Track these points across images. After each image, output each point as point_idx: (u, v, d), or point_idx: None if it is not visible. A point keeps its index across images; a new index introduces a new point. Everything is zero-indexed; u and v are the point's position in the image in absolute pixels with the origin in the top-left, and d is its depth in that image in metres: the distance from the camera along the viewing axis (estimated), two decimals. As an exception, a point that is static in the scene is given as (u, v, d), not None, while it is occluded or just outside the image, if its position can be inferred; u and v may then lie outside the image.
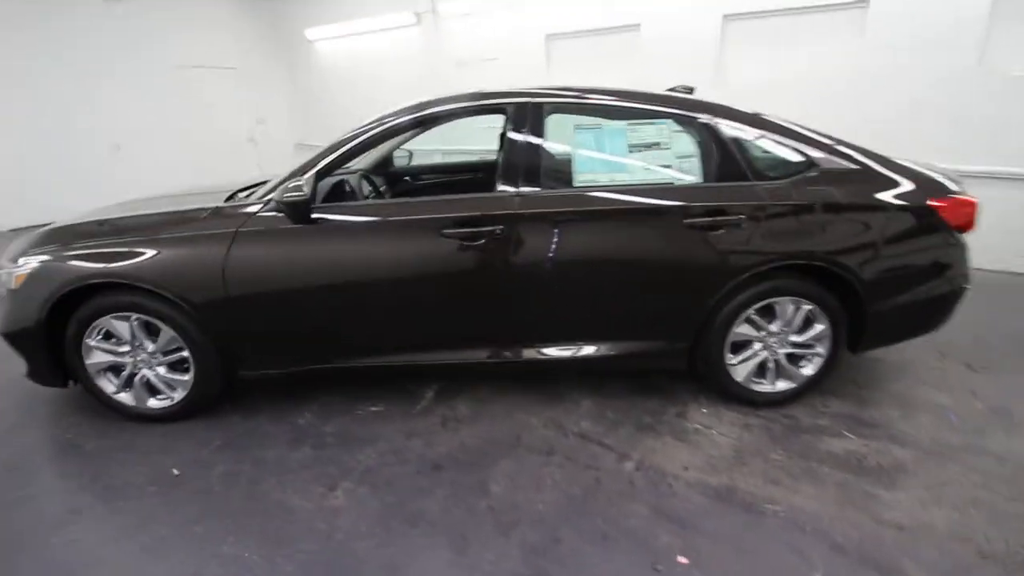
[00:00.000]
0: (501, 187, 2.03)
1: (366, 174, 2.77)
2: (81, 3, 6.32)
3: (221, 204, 2.14)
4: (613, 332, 2.18)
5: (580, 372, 2.52)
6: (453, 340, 2.19)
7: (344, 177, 2.66)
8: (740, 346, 2.22)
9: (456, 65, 6.61)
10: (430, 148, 6.85)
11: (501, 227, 1.98)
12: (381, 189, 3.19)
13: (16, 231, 5.20)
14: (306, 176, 1.98)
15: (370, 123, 2.11)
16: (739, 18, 4.79)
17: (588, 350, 2.18)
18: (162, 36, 7.07)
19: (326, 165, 2.05)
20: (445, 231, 1.99)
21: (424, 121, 2.13)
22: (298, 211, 1.95)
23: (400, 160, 3.63)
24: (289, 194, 1.90)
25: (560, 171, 2.07)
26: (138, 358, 2.15)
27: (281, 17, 8.14)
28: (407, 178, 3.60)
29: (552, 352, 2.19)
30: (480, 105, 2.12)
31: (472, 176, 3.44)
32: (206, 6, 7.50)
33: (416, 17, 6.71)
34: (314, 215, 2.00)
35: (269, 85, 8.37)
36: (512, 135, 2.05)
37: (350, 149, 2.07)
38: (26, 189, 6.07)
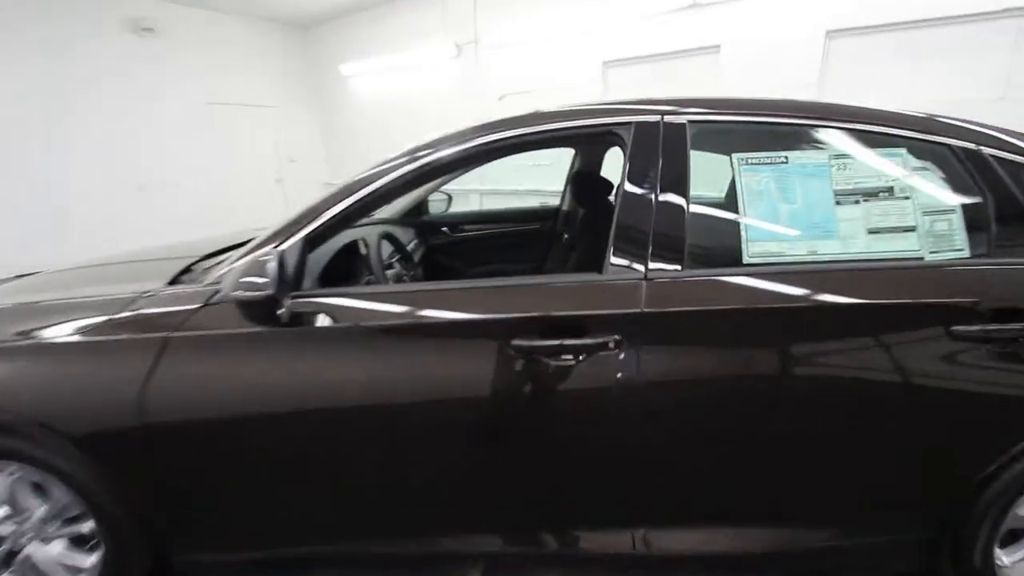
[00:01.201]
0: (615, 262, 1.18)
1: (387, 232, 1.94)
2: (113, 34, 6.01)
3: (160, 287, 1.35)
4: (798, 513, 1.26)
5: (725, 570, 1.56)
6: (519, 519, 1.31)
7: (359, 235, 1.87)
8: (1018, 537, 1.26)
9: (499, 99, 5.98)
10: (464, 188, 6.21)
11: (616, 337, 1.12)
12: (410, 248, 2.38)
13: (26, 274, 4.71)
14: (284, 246, 1.18)
15: (398, 159, 1.30)
16: (848, 34, 3.95)
17: (751, 540, 1.26)
18: (195, 72, 6.73)
19: (322, 226, 1.26)
20: (516, 342, 1.14)
21: (481, 154, 1.30)
22: (258, 310, 1.15)
23: (436, 205, 2.85)
24: (241, 290, 1.10)
25: (719, 238, 1.21)
26: (22, 527, 1.34)
27: (315, 52, 7.78)
28: (444, 229, 2.80)
29: (688, 541, 1.27)
30: (578, 128, 1.29)
31: (535, 229, 2.61)
32: (240, 42, 7.19)
33: (457, 49, 6.16)
34: (295, 306, 1.18)
35: (302, 122, 7.97)
36: (633, 176, 1.21)
37: (362, 201, 1.27)
38: (31, 233, 5.62)
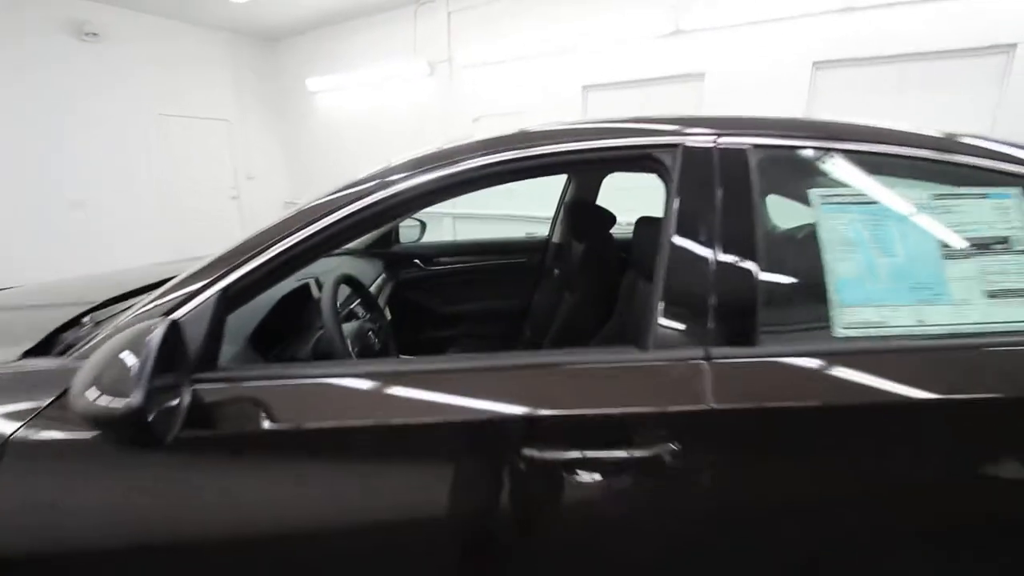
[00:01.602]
0: (664, 334, 0.85)
1: (346, 276, 1.55)
2: (51, 36, 5.44)
3: (7, 359, 0.94)
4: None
5: None
6: None
7: (312, 275, 1.50)
8: None
9: (474, 121, 5.73)
10: (435, 211, 5.87)
11: (672, 446, 0.79)
12: (377, 283, 2.02)
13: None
14: (185, 311, 0.82)
15: (363, 185, 0.96)
16: (835, 66, 3.87)
17: None
18: (145, 82, 6.20)
19: (247, 278, 0.89)
20: (529, 451, 0.80)
21: (477, 180, 0.96)
22: (124, 425, 0.75)
23: (408, 233, 2.50)
24: (89, 398, 0.71)
25: (802, 303, 0.91)
26: None
27: (279, 66, 7.38)
28: (417, 262, 2.45)
29: None
30: (606, 151, 0.96)
31: (521, 263, 2.29)
32: (196, 51, 6.71)
33: (429, 67, 5.89)
34: (202, 394, 0.81)
35: (262, 138, 7.49)
36: (684, 217, 0.90)
37: (309, 243, 0.91)
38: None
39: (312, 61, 6.98)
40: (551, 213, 2.50)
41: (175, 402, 0.76)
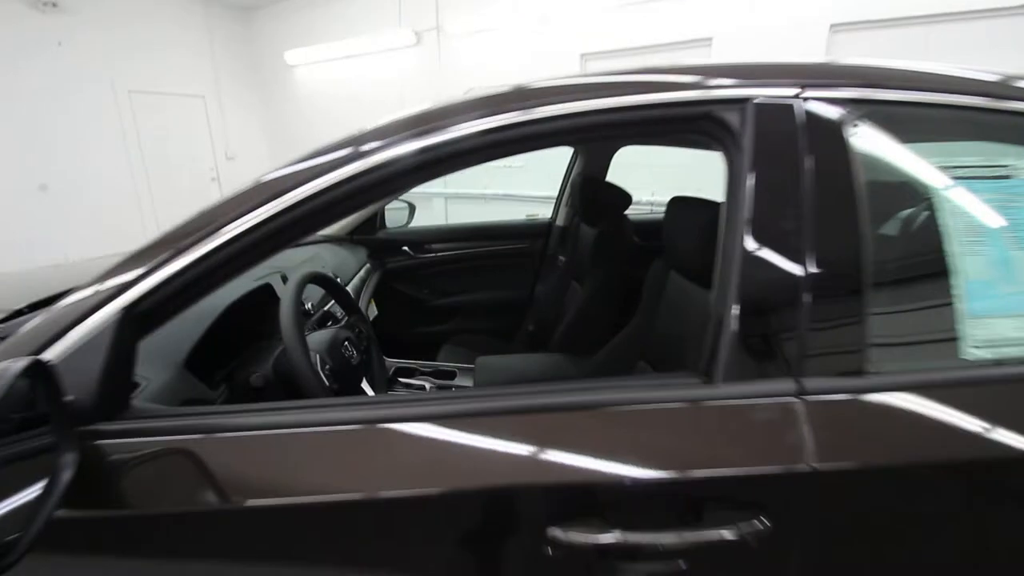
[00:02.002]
0: (734, 361, 0.62)
1: (315, 275, 1.27)
2: (3, 3, 5.00)
3: None
4: None
5: None
6: None
7: (267, 276, 1.24)
8: None
9: (465, 93, 5.39)
10: (424, 192, 5.55)
11: (758, 524, 0.56)
12: (360, 274, 1.78)
13: None
14: (62, 345, 0.59)
15: (334, 156, 0.70)
16: (853, 28, 3.59)
17: None
18: (112, 56, 5.78)
19: (161, 291, 0.64)
20: (556, 532, 0.57)
21: (480, 149, 0.71)
22: None
23: (395, 216, 2.24)
24: None
25: (918, 314, 0.68)
26: None
27: (257, 38, 6.95)
28: (406, 249, 2.20)
29: None
30: (645, 111, 0.69)
31: (521, 248, 2.05)
32: (167, 23, 6.27)
33: (416, 37, 5.52)
34: (99, 451, 0.58)
35: (242, 115, 7.10)
36: (760, 199, 0.66)
37: (253, 237, 0.66)
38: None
39: (291, 32, 6.56)
40: (555, 192, 2.25)
41: (38, 486, 0.52)
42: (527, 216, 2.35)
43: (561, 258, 2.16)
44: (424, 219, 2.44)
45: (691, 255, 0.99)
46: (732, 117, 0.69)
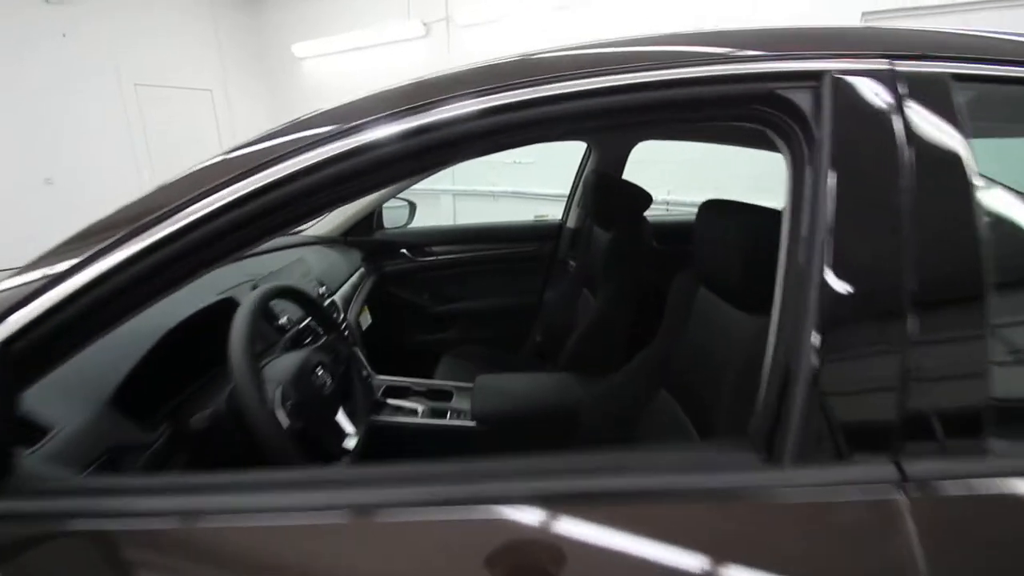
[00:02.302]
0: (815, 422, 0.45)
1: (284, 289, 1.06)
2: (13, 2, 4.92)
3: None
4: None
5: None
6: None
7: (232, 290, 1.08)
8: None
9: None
10: (431, 188, 5.36)
11: None
12: (353, 280, 1.63)
13: None
14: None
15: (303, 138, 0.54)
16: (886, 16, 3.37)
17: None
18: (118, 49, 5.70)
19: (46, 321, 0.49)
20: None
21: (496, 131, 0.53)
22: None
23: (393, 216, 2.08)
24: None
25: None
26: None
27: (264, 29, 6.83)
28: (404, 251, 2.04)
29: None
30: (691, 89, 0.52)
31: (529, 252, 1.89)
32: (175, 16, 6.17)
33: (425, 28, 5.36)
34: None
35: (249, 109, 6.99)
36: (844, 203, 0.48)
37: (167, 257, 0.50)
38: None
39: (299, 23, 6.43)
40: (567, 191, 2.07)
41: None
42: (535, 217, 2.18)
43: (572, 263, 1.98)
44: (431, 218, 2.28)
45: (731, 272, 0.82)
46: (802, 98, 0.51)
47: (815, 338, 0.45)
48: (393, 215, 2.11)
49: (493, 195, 5.19)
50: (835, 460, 0.44)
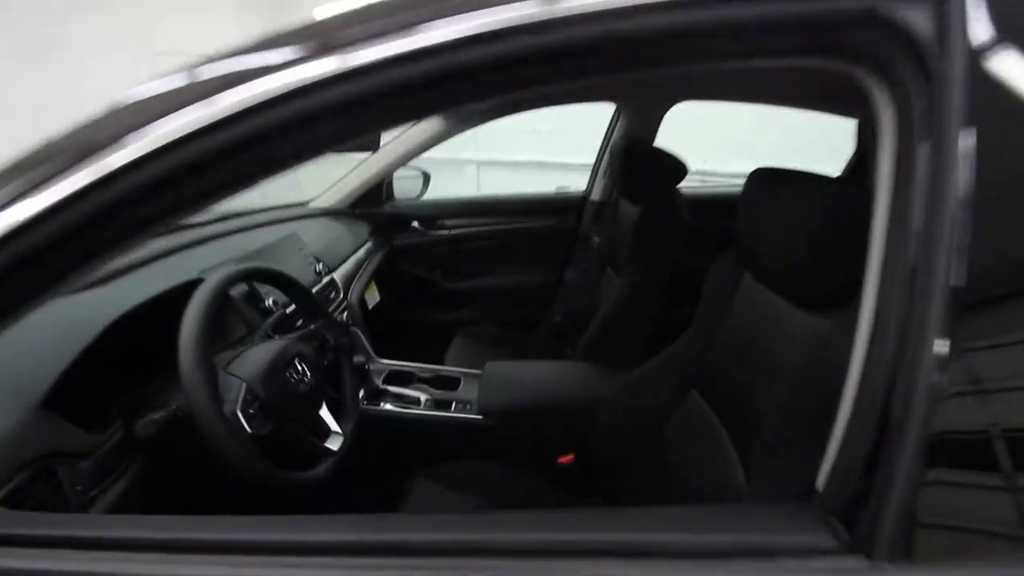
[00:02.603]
0: (942, 498, 0.30)
1: (254, 268, 0.93)
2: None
3: None
4: None
5: None
6: None
7: (207, 274, 0.96)
8: None
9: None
10: (450, 157, 5.16)
11: None
12: (360, 254, 1.53)
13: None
14: None
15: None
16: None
17: None
18: (138, 14, 5.63)
19: None
20: None
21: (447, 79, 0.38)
22: None
23: (406, 188, 1.95)
24: None
25: None
26: None
27: (286, -7, 6.64)
28: (415, 226, 1.91)
29: None
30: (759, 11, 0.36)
31: (549, 227, 1.75)
32: (195, -21, 6.05)
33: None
34: None
35: (272, 77, 6.89)
36: (990, 180, 0.32)
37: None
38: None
39: (321, -15, 6.23)
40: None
41: None
42: (557, 189, 2.01)
43: (595, 239, 1.82)
44: (453, 190, 2.12)
45: (787, 259, 0.66)
46: (920, 19, 0.35)
47: (938, 370, 0.30)
48: (405, 186, 1.97)
49: (522, 165, 4.98)
50: (963, 563, 0.30)
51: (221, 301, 0.71)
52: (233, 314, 0.97)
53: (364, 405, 1.17)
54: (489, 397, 1.16)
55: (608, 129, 1.78)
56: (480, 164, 5.28)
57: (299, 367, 0.82)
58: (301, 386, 0.80)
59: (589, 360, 1.34)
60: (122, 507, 0.64)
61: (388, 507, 0.95)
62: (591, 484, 1.11)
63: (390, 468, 1.26)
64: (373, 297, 1.69)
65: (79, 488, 0.61)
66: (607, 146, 1.80)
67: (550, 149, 4.46)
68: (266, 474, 0.68)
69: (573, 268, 1.89)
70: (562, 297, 1.87)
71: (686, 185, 1.47)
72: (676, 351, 1.00)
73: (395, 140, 1.70)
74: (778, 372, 0.69)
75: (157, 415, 0.65)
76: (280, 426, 0.75)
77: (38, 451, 0.60)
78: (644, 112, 1.63)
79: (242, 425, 0.68)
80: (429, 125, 1.64)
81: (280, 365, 0.78)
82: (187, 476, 0.75)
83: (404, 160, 1.75)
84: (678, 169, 1.37)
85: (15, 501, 0.56)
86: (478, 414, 1.14)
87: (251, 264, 0.81)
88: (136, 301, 0.77)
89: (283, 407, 0.75)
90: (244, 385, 0.72)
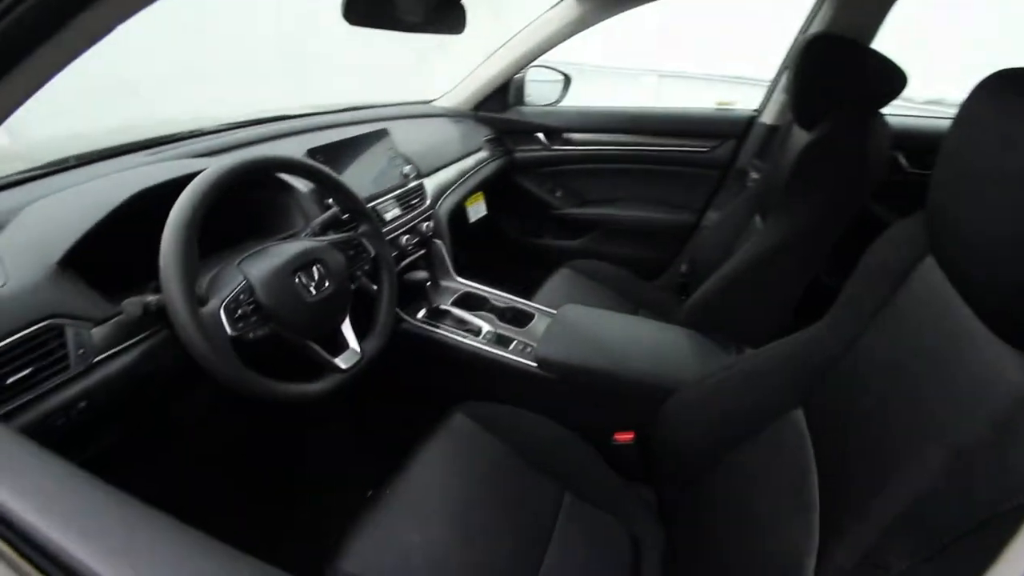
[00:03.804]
0: None
1: (285, 159, 0.79)
2: None
3: None
4: None
5: None
6: None
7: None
8: None
9: None
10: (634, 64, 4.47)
11: None
12: (472, 173, 1.43)
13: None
14: None
15: None
16: None
17: None
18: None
19: None
20: None
21: None
22: None
23: (541, 91, 1.72)
24: None
25: None
26: None
27: None
28: (539, 136, 1.71)
29: None
30: None
31: (698, 153, 1.43)
32: None
33: None
34: None
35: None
36: None
37: None
38: None
39: None
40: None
41: None
42: (717, 104, 1.58)
43: (752, 175, 1.41)
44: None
45: (1015, 268, 0.35)
46: None
47: None
48: (540, 90, 1.75)
49: (719, 79, 4.24)
50: None
51: (218, 192, 0.65)
52: (296, 207, 0.94)
53: (421, 323, 1.10)
54: (549, 345, 0.99)
55: (806, 21, 1.28)
56: (662, 75, 4.65)
57: (316, 273, 0.75)
58: (309, 294, 0.73)
59: (693, 325, 1.07)
60: (122, 380, 0.66)
61: (419, 434, 0.89)
62: (645, 472, 0.91)
63: (432, 393, 1.20)
64: (477, 210, 1.58)
65: (82, 352, 0.63)
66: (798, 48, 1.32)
67: (756, 63, 3.66)
68: (240, 378, 0.64)
69: (718, 208, 1.52)
70: (695, 243, 1.54)
71: (896, 112, 1.00)
72: (795, 344, 0.70)
73: (522, 32, 1.47)
74: (946, 424, 0.40)
75: (150, 298, 0.64)
76: (276, 333, 0.70)
77: (51, 309, 0.62)
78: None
79: (221, 323, 0.63)
80: (560, 12, 1.36)
81: (288, 269, 0.72)
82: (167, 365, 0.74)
83: (532, 57, 1.52)
84: (892, 78, 0.92)
85: (18, 353, 0.59)
86: (534, 360, 0.99)
87: (270, 155, 0.73)
88: (172, 176, 0.75)
89: (281, 313, 0.69)
90: (243, 283, 0.67)
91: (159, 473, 1.02)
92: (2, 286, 0.61)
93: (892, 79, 0.92)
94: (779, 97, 1.38)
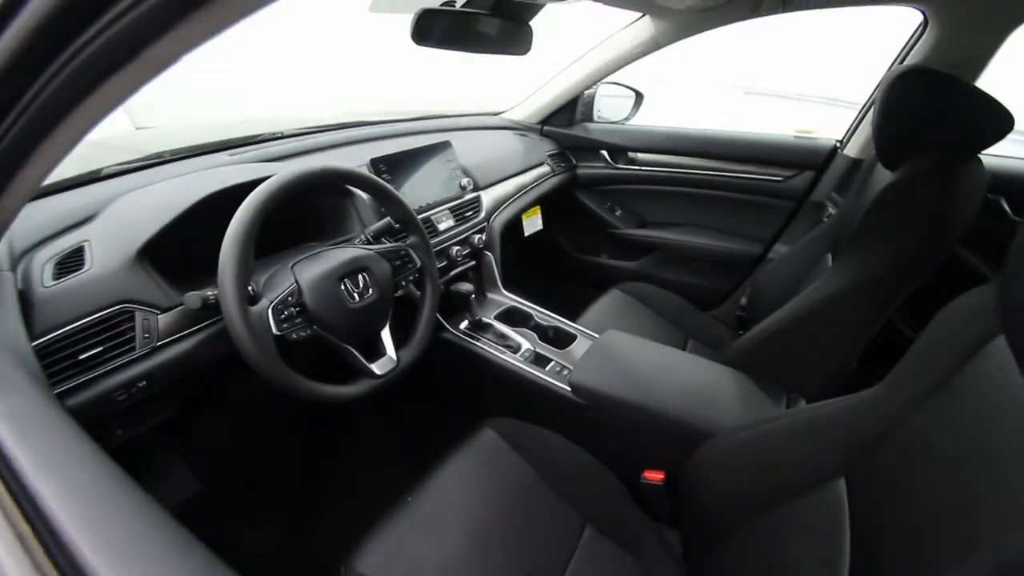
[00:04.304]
0: None
1: (339, 170, 0.83)
2: None
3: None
4: None
5: None
6: None
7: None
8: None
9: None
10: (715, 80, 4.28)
11: None
12: (532, 188, 1.43)
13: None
14: None
15: None
16: None
17: None
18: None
19: None
20: None
21: None
22: None
23: (610, 107, 1.71)
24: None
25: None
26: None
27: None
28: (604, 153, 1.69)
29: None
30: None
31: (770, 182, 1.37)
32: None
33: None
34: None
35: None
36: None
37: None
38: None
39: None
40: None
41: None
42: (796, 133, 1.48)
43: (831, 210, 1.32)
44: (707, 120, 1.78)
45: None
46: None
47: None
48: (610, 105, 1.73)
49: (809, 99, 4.04)
50: None
51: (277, 201, 0.69)
52: (355, 213, 0.99)
53: (461, 334, 1.12)
54: (585, 371, 0.98)
55: (902, 50, 1.18)
56: (747, 92, 4.44)
57: (361, 281, 0.78)
58: (353, 301, 0.76)
59: (744, 364, 1.01)
60: (180, 364, 0.72)
61: (447, 444, 0.90)
62: (672, 516, 0.87)
63: (465, 405, 1.21)
64: (533, 224, 1.58)
65: (147, 336, 0.69)
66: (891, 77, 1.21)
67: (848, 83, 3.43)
68: (280, 376, 0.68)
69: (788, 242, 1.43)
70: (758, 276, 1.46)
71: (996, 154, 0.90)
72: (846, 409, 0.64)
73: (594, 50, 1.46)
74: (997, 534, 0.35)
75: (209, 293, 0.69)
76: (319, 336, 0.74)
77: (126, 295, 0.69)
78: (970, 28, 1.01)
79: (267, 323, 0.68)
80: (633, 32, 1.34)
81: (335, 275, 0.75)
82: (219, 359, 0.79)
83: (603, 74, 1.50)
84: (998, 122, 0.83)
85: (93, 332, 0.66)
86: (568, 384, 0.98)
87: (327, 167, 0.77)
88: (242, 180, 0.81)
89: (324, 318, 0.73)
90: (293, 286, 0.72)
91: (210, 443, 1.11)
92: (88, 269, 0.68)
93: (995, 122, 0.82)
94: (866, 129, 1.28)
